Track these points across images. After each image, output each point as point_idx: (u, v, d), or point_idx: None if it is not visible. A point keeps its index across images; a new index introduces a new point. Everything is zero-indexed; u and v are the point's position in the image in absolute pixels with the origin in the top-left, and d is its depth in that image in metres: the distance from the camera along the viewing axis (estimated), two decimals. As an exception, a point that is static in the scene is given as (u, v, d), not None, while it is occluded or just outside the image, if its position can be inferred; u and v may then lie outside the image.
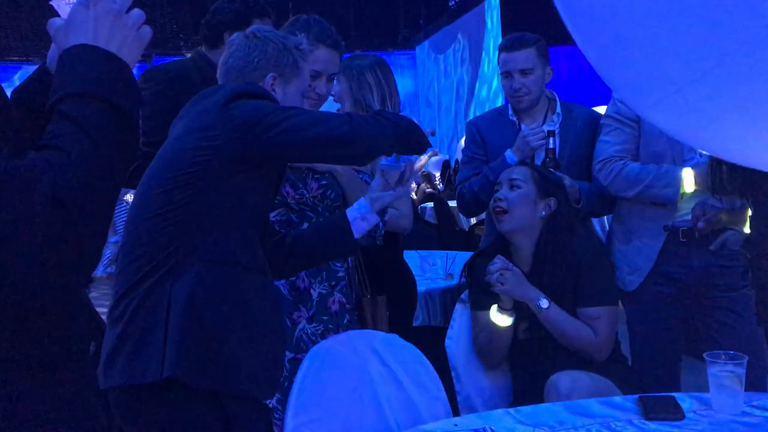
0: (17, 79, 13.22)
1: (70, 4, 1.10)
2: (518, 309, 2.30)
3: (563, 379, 2.03)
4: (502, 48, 2.86)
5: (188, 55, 2.86)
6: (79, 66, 1.01)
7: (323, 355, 1.87)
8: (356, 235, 1.85)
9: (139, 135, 1.06)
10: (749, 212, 2.21)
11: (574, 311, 2.26)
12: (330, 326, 2.17)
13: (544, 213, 2.34)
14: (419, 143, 1.79)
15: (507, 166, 2.69)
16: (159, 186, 1.67)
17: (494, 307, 2.29)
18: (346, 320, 2.22)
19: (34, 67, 1.32)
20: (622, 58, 0.89)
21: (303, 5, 12.01)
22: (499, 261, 2.28)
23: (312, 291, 2.16)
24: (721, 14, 0.73)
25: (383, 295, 2.36)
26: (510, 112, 2.89)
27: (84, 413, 1.09)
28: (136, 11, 1.08)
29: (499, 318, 2.29)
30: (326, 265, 2.19)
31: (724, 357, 1.73)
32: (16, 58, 13.61)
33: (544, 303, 2.22)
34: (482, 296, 2.34)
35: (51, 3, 1.17)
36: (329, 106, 2.46)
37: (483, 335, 2.35)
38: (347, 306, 2.24)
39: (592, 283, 2.27)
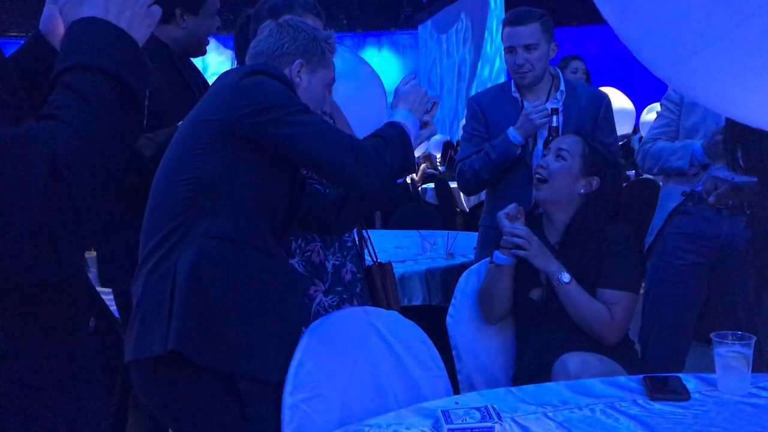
0: (17, 55, 13.13)
1: None
2: (536, 278, 2.27)
3: (573, 360, 2.00)
4: (506, 22, 2.81)
5: None
6: (87, 38, 1.00)
7: (322, 332, 1.83)
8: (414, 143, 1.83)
9: (143, 114, 1.05)
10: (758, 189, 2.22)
11: (594, 292, 2.22)
12: (345, 296, 2.17)
13: (583, 191, 2.28)
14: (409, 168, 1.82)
15: (509, 144, 2.67)
16: (175, 157, 1.70)
17: (498, 251, 2.31)
18: (358, 289, 2.23)
19: None
20: (643, 20, 0.85)
21: (305, -18, 11.91)
22: (512, 207, 2.31)
23: (327, 263, 2.16)
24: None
25: (389, 261, 2.37)
26: (513, 88, 2.85)
27: (84, 390, 1.07)
28: None
29: (500, 257, 2.29)
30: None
31: (731, 337, 1.70)
32: (16, 34, 13.55)
33: (566, 277, 2.19)
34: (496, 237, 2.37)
35: None
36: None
37: (485, 281, 2.35)
38: (358, 275, 2.24)
39: (617, 267, 2.22)
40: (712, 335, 1.71)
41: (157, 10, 1.09)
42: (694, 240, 2.74)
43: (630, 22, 0.87)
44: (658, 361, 2.58)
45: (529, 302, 2.29)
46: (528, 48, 2.73)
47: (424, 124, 1.87)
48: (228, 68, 2.12)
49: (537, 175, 2.33)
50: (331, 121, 2.30)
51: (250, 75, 1.69)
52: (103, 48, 0.99)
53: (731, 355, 1.68)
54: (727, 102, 0.90)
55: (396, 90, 1.90)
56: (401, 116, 1.82)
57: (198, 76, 2.62)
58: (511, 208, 2.33)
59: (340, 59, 2.16)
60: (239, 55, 2.31)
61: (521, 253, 2.24)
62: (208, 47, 2.59)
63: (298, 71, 1.82)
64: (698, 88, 0.88)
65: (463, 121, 5.30)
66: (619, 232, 2.27)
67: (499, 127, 2.77)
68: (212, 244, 1.62)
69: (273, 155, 1.69)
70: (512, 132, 2.69)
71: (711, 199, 2.33)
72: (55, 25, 1.22)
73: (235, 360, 1.61)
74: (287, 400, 1.71)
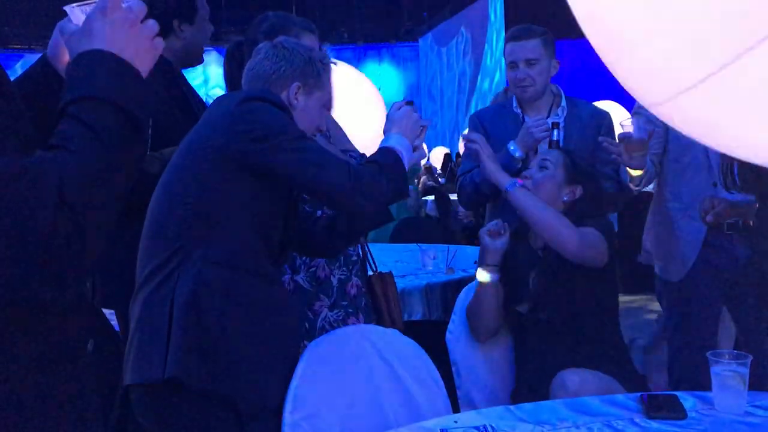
0: (19, 68, 13.24)
1: (84, 11, 1.12)
2: (522, 291, 2.29)
3: (572, 377, 2.01)
4: (509, 38, 2.84)
5: None
6: (92, 70, 1.02)
7: (323, 350, 1.85)
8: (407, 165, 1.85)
9: (147, 142, 1.08)
10: (756, 205, 2.25)
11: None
12: (350, 310, 2.18)
13: (567, 198, 2.36)
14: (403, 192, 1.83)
15: (510, 158, 2.69)
16: (172, 181, 1.71)
17: (480, 268, 2.32)
18: (363, 303, 2.24)
19: (37, 56, 1.33)
20: (632, 54, 0.87)
21: (306, -4, 11.98)
22: (494, 224, 2.36)
23: (332, 278, 2.18)
24: (737, 10, 0.71)
25: (390, 271, 2.38)
26: (514, 104, 2.87)
27: (79, 412, 1.08)
28: (150, 22, 1.10)
29: (482, 274, 2.31)
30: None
31: (727, 356, 1.71)
32: (18, 47, 13.60)
33: (515, 184, 2.27)
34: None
35: (65, 8, 1.18)
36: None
37: (471, 300, 2.37)
38: (363, 289, 2.26)
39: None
40: (708, 354, 1.73)
41: (159, 42, 1.11)
42: (720, 273, 2.64)
43: (618, 59, 0.88)
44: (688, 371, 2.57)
45: (517, 316, 2.31)
46: (529, 63, 2.75)
47: (414, 149, 1.88)
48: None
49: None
50: (329, 136, 2.32)
51: (248, 101, 1.71)
52: (109, 80, 1.02)
53: (727, 374, 1.69)
54: (723, 140, 0.92)
55: (388, 115, 1.91)
56: (395, 141, 1.83)
57: (195, 93, 2.62)
58: (493, 224, 2.36)
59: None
60: (230, 81, 2.31)
61: (473, 146, 2.33)
62: (209, 59, 2.59)
63: (296, 94, 1.83)
64: (691, 124, 0.89)
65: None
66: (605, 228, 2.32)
67: (500, 142, 2.77)
68: (210, 270, 1.64)
69: (270, 181, 1.71)
70: (513, 146, 2.71)
71: (708, 218, 2.34)
72: (61, 51, 1.25)
73: (235, 383, 1.62)
74: (287, 418, 1.72)
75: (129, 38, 1.06)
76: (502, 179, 2.32)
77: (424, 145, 2.03)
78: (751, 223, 2.34)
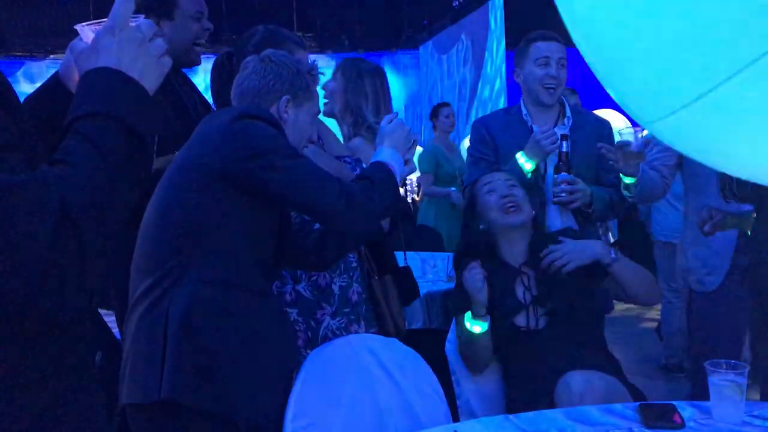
0: (20, 75, 13.25)
1: (94, 30, 1.14)
2: (516, 303, 2.30)
3: (576, 379, 2.01)
4: (535, 38, 2.80)
5: None
6: (99, 87, 1.04)
7: (323, 359, 1.86)
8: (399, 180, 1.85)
9: (152, 159, 1.09)
10: (754, 215, 2.27)
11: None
12: (352, 317, 2.20)
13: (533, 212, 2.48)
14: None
15: (521, 171, 2.67)
16: (164, 199, 1.71)
17: (468, 314, 2.29)
18: (364, 309, 2.25)
19: (37, 63, 1.35)
20: (628, 71, 0.88)
21: (307, 6, 12.03)
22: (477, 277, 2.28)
23: (333, 286, 2.19)
24: (732, 29, 0.72)
25: (389, 275, 2.39)
26: (524, 111, 2.84)
27: (89, 425, 1.09)
28: (158, 41, 1.12)
29: (477, 327, 2.28)
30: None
31: (725, 366, 1.72)
32: (20, 54, 13.61)
33: (614, 253, 2.29)
34: (461, 300, 2.32)
35: (76, 27, 1.20)
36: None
37: (463, 342, 2.34)
38: (364, 296, 2.26)
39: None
40: (705, 363, 1.74)
41: (167, 61, 1.13)
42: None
43: (613, 76, 0.90)
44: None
45: (515, 329, 2.30)
46: (561, 63, 2.75)
47: (405, 162, 1.89)
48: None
49: (509, 205, 2.41)
50: (322, 144, 2.33)
51: (240, 119, 1.71)
52: (115, 97, 1.03)
53: (725, 384, 1.70)
54: (718, 158, 0.93)
55: (380, 128, 1.92)
56: (387, 155, 1.84)
57: (194, 92, 2.61)
58: (478, 277, 2.29)
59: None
60: (216, 93, 2.31)
61: (567, 268, 2.28)
62: (210, 66, 2.56)
63: (285, 107, 1.83)
64: (686, 141, 0.91)
65: (465, 143, 5.34)
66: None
67: (508, 151, 2.75)
68: (204, 289, 1.64)
69: (263, 198, 1.71)
70: (523, 157, 2.68)
71: (706, 228, 2.35)
72: (72, 71, 1.27)
73: (233, 402, 1.62)
74: (288, 426, 1.73)
75: (137, 56, 1.08)
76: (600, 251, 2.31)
77: None
78: (749, 232, 2.35)
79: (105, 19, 1.10)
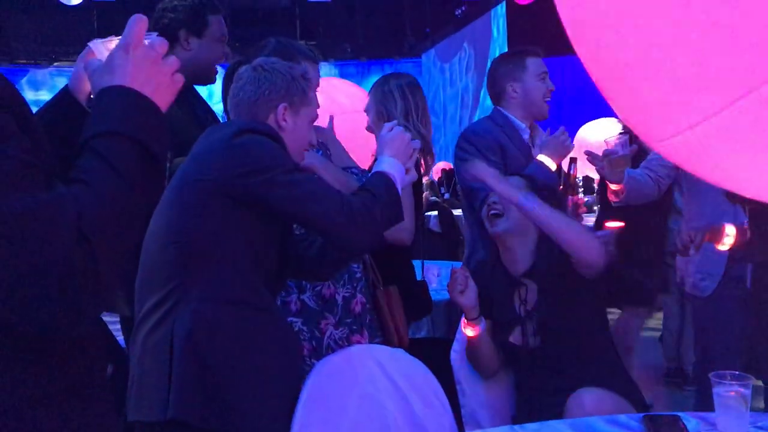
0: (25, 83, 13.30)
1: (108, 47, 1.15)
2: (511, 320, 2.29)
3: (588, 396, 2.01)
4: (527, 53, 2.86)
5: None
6: (114, 106, 1.06)
7: (329, 370, 1.87)
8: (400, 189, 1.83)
9: (164, 176, 1.11)
10: (727, 229, 2.39)
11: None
12: (354, 327, 2.20)
13: None
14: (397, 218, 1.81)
15: (547, 171, 2.66)
16: (165, 216, 1.70)
17: (462, 319, 2.32)
18: (368, 319, 2.25)
19: (42, 71, 1.36)
20: (635, 92, 0.89)
21: (310, 14, 12.06)
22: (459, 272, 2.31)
23: (337, 296, 2.20)
24: (742, 49, 0.73)
25: (395, 285, 2.39)
26: (522, 126, 2.87)
27: None
28: (171, 59, 1.13)
29: (469, 330, 2.30)
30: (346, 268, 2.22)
31: (729, 377, 1.73)
32: (24, 62, 13.67)
33: (528, 197, 2.20)
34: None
35: (89, 44, 1.22)
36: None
37: (468, 349, 2.37)
38: (367, 306, 2.27)
39: None
40: (710, 375, 1.74)
41: (179, 78, 1.14)
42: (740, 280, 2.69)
43: (620, 96, 0.91)
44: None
45: (510, 347, 2.31)
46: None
47: (406, 171, 1.88)
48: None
49: (492, 211, 2.38)
50: (329, 153, 2.34)
51: (240, 134, 1.70)
52: (129, 115, 1.05)
53: (730, 395, 1.71)
54: (724, 177, 0.94)
55: (380, 137, 1.90)
56: (388, 165, 1.83)
57: (202, 104, 2.63)
58: (458, 284, 2.31)
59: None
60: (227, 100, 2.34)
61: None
62: (217, 76, 2.59)
63: (283, 115, 1.82)
64: (693, 161, 0.91)
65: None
66: None
67: (516, 162, 2.76)
68: (208, 307, 1.64)
69: (264, 214, 1.71)
70: (544, 157, 2.67)
71: (691, 252, 2.39)
72: (82, 83, 1.28)
73: (239, 420, 1.62)
74: (295, 437, 1.74)
75: (150, 74, 1.09)
76: (516, 195, 2.23)
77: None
78: (726, 246, 2.42)
79: (119, 37, 1.11)
